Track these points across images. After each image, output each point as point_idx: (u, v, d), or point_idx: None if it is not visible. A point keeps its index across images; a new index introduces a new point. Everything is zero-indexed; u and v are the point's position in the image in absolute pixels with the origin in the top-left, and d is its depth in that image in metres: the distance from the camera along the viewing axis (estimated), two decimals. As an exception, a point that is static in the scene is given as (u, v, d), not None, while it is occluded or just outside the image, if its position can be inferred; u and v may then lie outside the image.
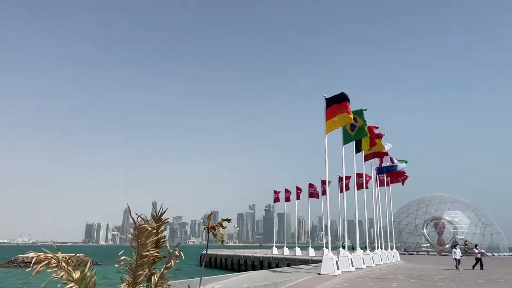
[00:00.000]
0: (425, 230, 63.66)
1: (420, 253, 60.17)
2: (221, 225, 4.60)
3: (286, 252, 48.82)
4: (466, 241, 57.90)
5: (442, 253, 58.50)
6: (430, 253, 60.11)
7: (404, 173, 39.00)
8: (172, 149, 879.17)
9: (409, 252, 60.33)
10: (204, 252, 58.49)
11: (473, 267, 27.19)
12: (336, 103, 23.26)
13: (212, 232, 4.60)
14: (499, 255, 56.16)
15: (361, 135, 27.69)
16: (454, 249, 28.96)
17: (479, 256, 27.41)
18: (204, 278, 17.28)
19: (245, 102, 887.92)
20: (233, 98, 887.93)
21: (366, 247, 35.27)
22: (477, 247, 29.21)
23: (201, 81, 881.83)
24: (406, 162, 38.48)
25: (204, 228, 4.64)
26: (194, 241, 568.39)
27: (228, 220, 4.70)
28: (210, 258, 54.81)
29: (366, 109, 26.33)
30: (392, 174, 38.72)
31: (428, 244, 63.80)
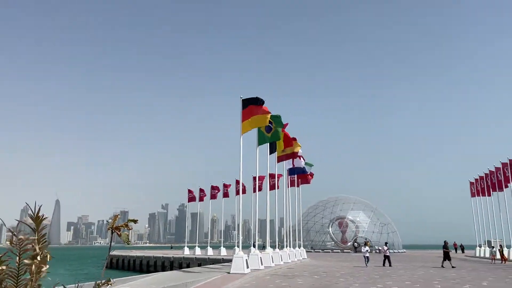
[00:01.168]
0: (330, 229, 67.52)
1: (325, 250, 63.69)
2: (127, 225, 4.40)
3: (198, 252, 48.55)
4: (367, 239, 62.50)
5: (344, 251, 62.55)
6: (334, 250, 63.92)
7: (312, 174, 40.95)
8: (81, 147, 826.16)
9: (315, 250, 63.53)
10: (111, 253, 55.72)
11: (383, 264, 28.65)
12: (253, 104, 23.72)
13: (117, 233, 4.39)
14: (394, 252, 61.55)
15: (276, 138, 28.57)
16: (363, 247, 30.35)
17: (387, 253, 29.07)
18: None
19: (161, 99, 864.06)
20: (147, 93, 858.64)
21: (276, 245, 36.52)
22: (387, 244, 31.19)
23: (112, 75, 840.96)
24: (311, 165, 40.41)
25: (108, 229, 4.41)
26: (100, 242, 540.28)
27: (135, 221, 4.52)
28: (117, 260, 52.51)
29: (280, 116, 27.12)
30: (302, 176, 40.45)
31: (333, 242, 67.82)
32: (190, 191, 51.37)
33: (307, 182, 42.14)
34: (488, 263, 34.38)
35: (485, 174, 44.86)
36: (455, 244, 65.91)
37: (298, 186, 41.47)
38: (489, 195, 44.78)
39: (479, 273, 23.42)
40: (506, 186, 39.06)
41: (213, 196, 49.67)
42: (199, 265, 37.14)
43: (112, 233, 5.10)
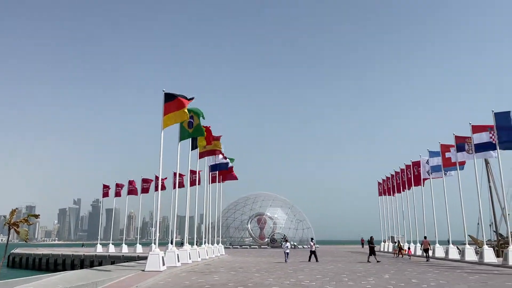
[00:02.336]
0: (249, 225, 68.68)
1: (243, 246, 64.62)
2: (26, 221, 4.07)
3: (112, 249, 46.57)
4: (285, 235, 64.57)
5: (262, 246, 64.01)
6: (252, 246, 65.12)
7: (231, 169, 41.27)
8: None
9: (234, 246, 64.21)
10: (13, 251, 51.28)
11: (309, 259, 28.97)
12: (175, 98, 23.27)
13: (14, 229, 4.03)
14: (308, 247, 64.31)
15: (197, 133, 28.29)
16: (284, 243, 30.45)
17: (313, 249, 29.41)
18: (9, 281, 15.15)
19: (76, 92, 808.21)
20: (61, 83, 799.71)
21: (194, 242, 36.25)
22: (313, 240, 31.44)
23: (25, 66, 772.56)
24: (232, 159, 40.73)
25: (5, 225, 4.03)
26: (2, 239, 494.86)
27: (36, 216, 4.21)
28: (20, 258, 48.50)
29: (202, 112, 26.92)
30: (224, 172, 40.57)
31: (251, 238, 69.09)
32: (105, 186, 49.09)
33: (234, 178, 42.37)
34: (391, 257, 37.41)
35: (391, 175, 48.58)
36: (362, 240, 70.69)
37: (219, 182, 41.57)
38: (393, 194, 48.62)
39: (383, 266, 25.35)
40: (409, 187, 42.59)
41: (131, 192, 47.97)
42: (113, 263, 35.63)
43: (9, 229, 4.67)
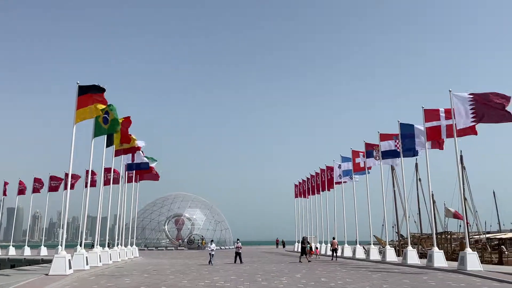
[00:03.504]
0: (166, 227, 67.14)
1: (159, 248, 62.98)
2: None
3: (12, 252, 42.72)
4: (203, 236, 64.14)
5: (179, 248, 62.95)
6: (168, 248, 63.71)
7: (153, 169, 40.12)
8: None
9: (149, 248, 62.34)
10: None
11: (235, 260, 28.63)
12: (91, 92, 22.04)
13: None
14: (226, 248, 64.49)
15: (113, 130, 27.03)
16: (209, 244, 29.34)
17: (240, 250, 28.89)
18: None
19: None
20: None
21: (106, 244, 34.42)
22: (239, 241, 30.21)
23: None
24: (155, 160, 39.69)
25: None
26: None
27: None
28: None
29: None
30: (142, 172, 39.24)
31: (168, 240, 67.60)
32: (6, 183, 44.96)
33: (155, 178, 41.14)
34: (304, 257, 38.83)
35: (307, 178, 50.61)
36: (277, 240, 72.81)
37: (136, 182, 40.14)
38: (307, 196, 50.73)
39: (296, 266, 26.27)
40: (323, 190, 44.68)
41: (36, 190, 44.38)
42: (13, 266, 32.69)
43: None
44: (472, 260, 20.85)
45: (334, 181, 41.06)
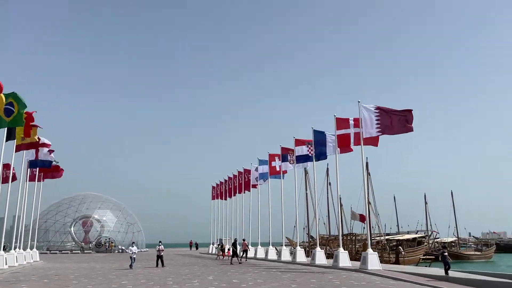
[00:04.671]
0: (72, 229, 62.96)
1: (63, 252, 58.86)
2: None
3: None
4: (110, 238, 61.21)
5: (85, 251, 59.38)
6: (74, 251, 59.80)
7: (59, 168, 37.54)
8: None
9: (52, 251, 57.95)
10: None
11: (156, 264, 27.26)
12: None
13: None
14: (140, 251, 62.26)
15: (16, 123, 24.81)
16: (131, 247, 27.44)
17: (161, 253, 27.35)
18: None
19: None
20: None
21: (2, 247, 31.22)
22: (161, 243, 28.22)
23: None
24: (57, 162, 37.10)
25: None
26: None
27: None
28: None
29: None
30: (47, 170, 36.45)
31: (74, 243, 63.40)
32: None
33: (54, 177, 38.37)
34: (215, 259, 38.85)
35: (225, 180, 50.84)
36: (190, 242, 72.17)
37: (40, 180, 37.17)
38: (225, 198, 50.99)
39: (209, 268, 26.16)
40: (240, 192, 45.18)
41: None
42: None
43: None
44: (373, 260, 22.48)
45: (251, 184, 41.74)
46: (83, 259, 39.57)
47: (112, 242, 60.60)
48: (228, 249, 40.36)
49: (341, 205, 53.14)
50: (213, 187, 56.71)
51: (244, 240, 36.22)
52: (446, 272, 18.79)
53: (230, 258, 31.27)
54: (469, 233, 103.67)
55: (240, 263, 30.12)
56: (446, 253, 20.18)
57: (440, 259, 21.23)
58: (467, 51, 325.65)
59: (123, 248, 60.32)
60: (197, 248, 68.03)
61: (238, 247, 33.89)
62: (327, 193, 59.80)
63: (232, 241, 32.91)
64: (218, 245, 43.32)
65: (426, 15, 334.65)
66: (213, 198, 57.03)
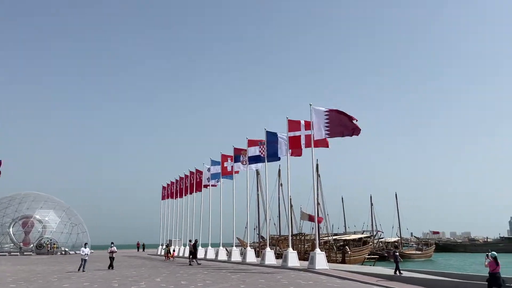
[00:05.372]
0: (11, 229, 59.34)
1: (0, 254, 55.32)
2: None
3: None
4: (52, 240, 58.32)
5: (25, 253, 56.25)
6: (12, 253, 56.42)
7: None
8: None
9: (-13, 254, 54.30)
10: None
11: (109, 266, 25.88)
12: None
13: None
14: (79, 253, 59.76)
15: None
16: (83, 248, 25.55)
17: (113, 255, 26.07)
18: None
19: None
20: None
21: None
22: (113, 244, 26.86)
23: None
24: None
25: None
26: None
27: None
28: None
29: None
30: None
31: (12, 244, 59.77)
32: None
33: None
34: (163, 260, 38.14)
35: (176, 180, 50.02)
36: (138, 243, 70.36)
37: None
38: (176, 198, 50.18)
39: (157, 270, 25.60)
40: (191, 193, 44.58)
41: None
42: None
43: None
44: (320, 259, 23.00)
45: (203, 184, 41.36)
46: (22, 262, 37.38)
47: (54, 244, 57.73)
48: (173, 250, 39.81)
49: (291, 206, 54.09)
50: (164, 187, 55.63)
51: (190, 241, 35.92)
52: (396, 272, 19.63)
53: (189, 259, 30.84)
54: (411, 233, 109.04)
55: (190, 264, 29.77)
56: (397, 253, 21.08)
57: (387, 257, 22.12)
58: (413, 61, 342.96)
59: (66, 249, 57.78)
60: (143, 249, 66.45)
61: (184, 248, 33.58)
62: (279, 194, 60.59)
63: (193, 242, 32.47)
64: (166, 246, 42.54)
65: (375, 28, 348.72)
66: (163, 198, 55.94)
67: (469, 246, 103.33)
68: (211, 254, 37.56)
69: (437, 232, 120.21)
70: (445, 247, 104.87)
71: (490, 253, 13.86)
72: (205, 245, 40.27)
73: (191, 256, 30.63)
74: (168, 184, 53.55)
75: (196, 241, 33.05)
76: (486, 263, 13.87)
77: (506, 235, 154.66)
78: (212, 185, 39.52)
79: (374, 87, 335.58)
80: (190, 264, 29.60)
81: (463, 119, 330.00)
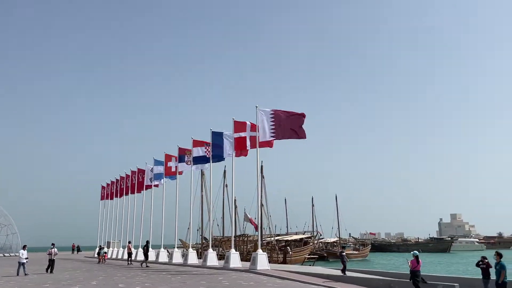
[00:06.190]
0: None
1: None
2: None
3: None
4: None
5: None
6: None
7: None
8: None
9: None
10: None
11: (49, 270, 24.33)
12: None
13: None
14: (10, 255, 55.95)
15: None
16: (22, 250, 23.53)
17: (54, 257, 24.51)
18: None
19: None
20: None
21: None
22: (53, 246, 25.07)
23: None
24: None
25: None
26: None
27: None
28: None
29: None
30: None
31: None
32: None
33: None
34: (105, 264, 36.68)
35: (116, 179, 48.27)
36: (73, 245, 67.19)
37: None
38: (112, 198, 48.46)
39: (93, 273, 24.52)
40: (133, 193, 43.18)
41: None
42: None
43: None
44: (262, 260, 23.22)
45: (145, 184, 40.28)
46: None
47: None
48: (105, 253, 38.39)
49: (236, 207, 54.13)
50: (103, 187, 53.49)
51: (129, 242, 34.88)
52: (343, 271, 20.23)
53: (142, 261, 30.26)
54: (349, 234, 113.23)
55: (147, 266, 29.10)
56: (344, 253, 21.72)
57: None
58: (355, 69, 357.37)
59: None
60: (78, 252, 63.55)
61: (135, 250, 32.61)
62: (223, 195, 60.35)
63: (144, 244, 31.62)
64: (101, 248, 40.77)
65: (321, 36, 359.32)
66: (102, 198, 53.78)
67: (402, 246, 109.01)
68: (151, 256, 36.61)
69: (374, 234, 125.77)
70: (380, 247, 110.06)
71: (412, 252, 15.21)
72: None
73: (144, 259, 30.45)
74: (108, 184, 51.56)
75: (147, 242, 32.23)
76: (409, 262, 15.07)
77: (435, 236, 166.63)
78: (154, 185, 38.61)
79: (320, 90, 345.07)
80: (146, 266, 29.06)
81: (401, 126, 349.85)
